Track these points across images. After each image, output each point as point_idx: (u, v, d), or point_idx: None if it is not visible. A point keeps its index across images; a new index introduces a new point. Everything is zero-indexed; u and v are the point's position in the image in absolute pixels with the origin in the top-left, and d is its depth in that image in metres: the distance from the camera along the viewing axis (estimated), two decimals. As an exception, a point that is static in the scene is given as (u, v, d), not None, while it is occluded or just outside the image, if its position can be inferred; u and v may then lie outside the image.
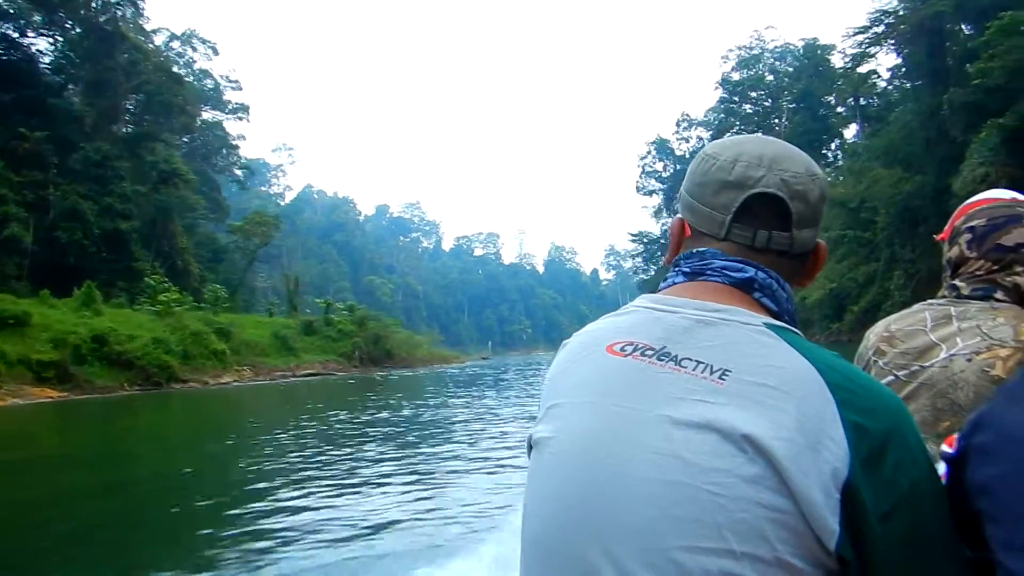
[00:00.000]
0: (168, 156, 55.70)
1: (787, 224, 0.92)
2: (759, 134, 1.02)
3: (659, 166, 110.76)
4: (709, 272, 0.93)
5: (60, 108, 49.84)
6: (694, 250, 0.96)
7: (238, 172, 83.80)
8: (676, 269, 0.97)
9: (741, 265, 0.92)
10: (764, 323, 0.87)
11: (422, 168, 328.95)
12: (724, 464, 0.76)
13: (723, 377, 0.82)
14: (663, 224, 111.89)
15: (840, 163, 68.84)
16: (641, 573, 0.76)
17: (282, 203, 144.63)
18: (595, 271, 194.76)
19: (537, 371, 48.97)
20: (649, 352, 0.88)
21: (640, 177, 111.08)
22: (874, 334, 1.58)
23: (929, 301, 1.58)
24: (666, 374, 0.85)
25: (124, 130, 52.42)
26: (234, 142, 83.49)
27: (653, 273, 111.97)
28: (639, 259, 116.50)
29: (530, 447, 0.96)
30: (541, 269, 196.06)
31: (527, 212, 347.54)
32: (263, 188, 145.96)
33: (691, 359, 0.85)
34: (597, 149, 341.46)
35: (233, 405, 27.84)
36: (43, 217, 44.72)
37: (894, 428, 0.80)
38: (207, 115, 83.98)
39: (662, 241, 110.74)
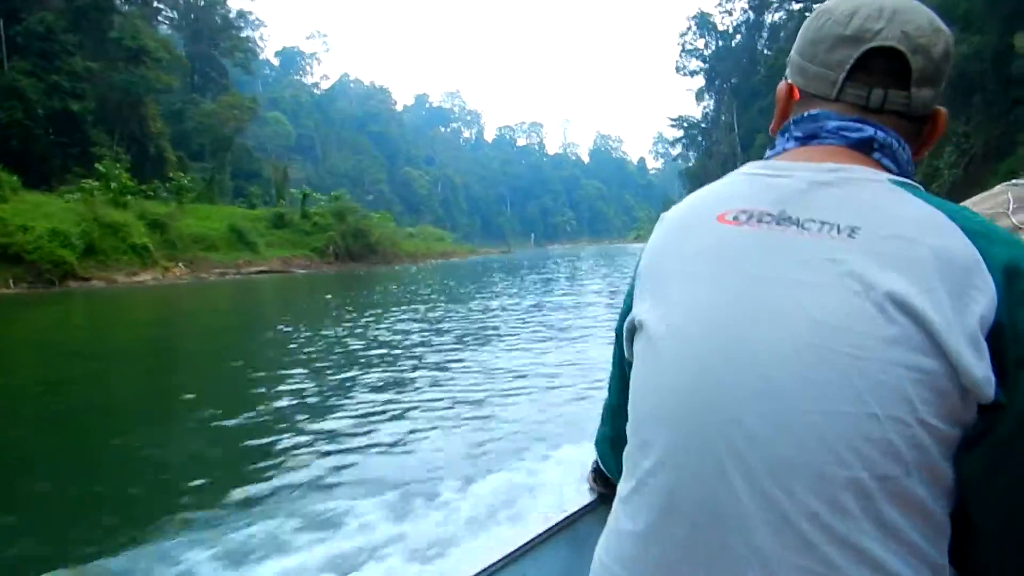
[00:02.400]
0: (134, 31, 49.84)
1: (906, 82, 0.83)
2: None
3: (700, 43, 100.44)
4: (824, 134, 0.86)
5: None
6: (805, 113, 0.89)
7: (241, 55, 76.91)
8: (786, 135, 0.90)
9: (859, 124, 0.85)
10: (888, 179, 0.80)
11: (463, 56, 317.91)
12: (863, 325, 0.71)
13: (853, 235, 0.75)
14: (704, 107, 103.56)
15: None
16: (776, 437, 0.72)
17: (317, 92, 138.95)
18: (642, 160, 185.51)
19: (552, 264, 45.41)
20: (767, 218, 0.81)
21: (680, 56, 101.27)
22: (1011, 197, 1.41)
23: (1013, 181, 1.46)
24: (789, 238, 0.78)
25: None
26: (237, 23, 76.62)
27: (693, 161, 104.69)
28: (679, 146, 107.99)
29: (631, 330, 0.89)
30: (586, 159, 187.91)
31: (572, 100, 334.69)
32: (297, 77, 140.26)
33: (814, 220, 0.78)
34: (644, 29, 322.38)
35: (120, 308, 23.00)
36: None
37: None
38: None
39: (703, 125, 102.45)
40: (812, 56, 0.88)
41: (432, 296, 21.93)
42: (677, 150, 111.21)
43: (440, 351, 10.71)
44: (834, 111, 0.86)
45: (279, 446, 5.90)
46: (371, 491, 4.63)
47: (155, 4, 72.79)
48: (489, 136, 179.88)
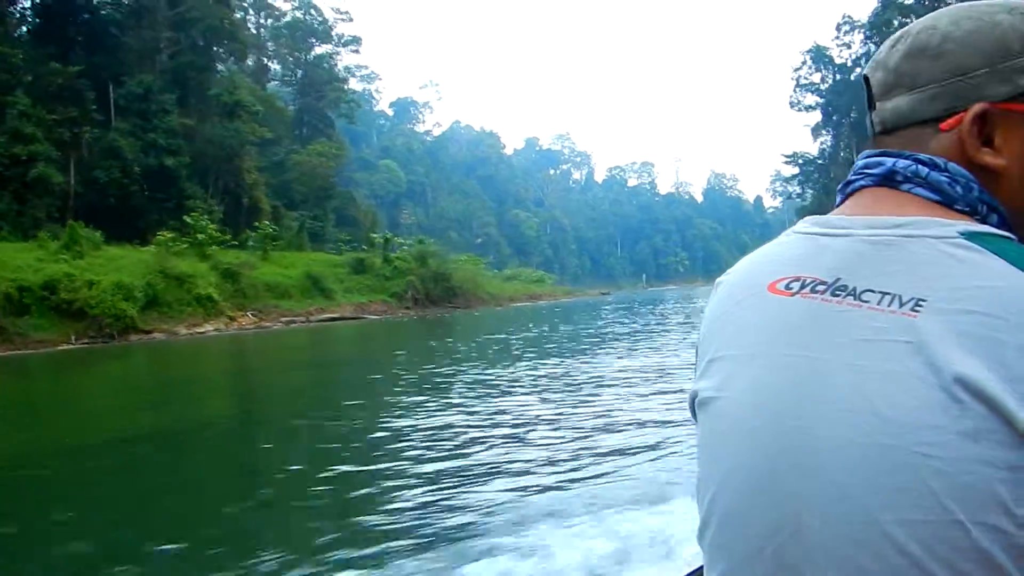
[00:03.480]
0: (231, 86, 51.53)
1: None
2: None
3: (816, 77, 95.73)
4: (855, 176, 0.79)
5: (100, 37, 46.51)
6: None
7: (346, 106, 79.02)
8: (848, 181, 0.81)
9: (878, 158, 0.77)
10: (960, 232, 0.68)
11: (572, 98, 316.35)
12: (934, 418, 0.62)
13: (917, 308, 0.65)
14: (821, 143, 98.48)
15: None
16: (850, 550, 0.64)
17: (428, 139, 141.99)
18: (759, 198, 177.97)
19: (671, 305, 42.05)
20: (820, 287, 0.72)
21: (795, 91, 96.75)
22: None
23: None
24: (845, 312, 0.69)
25: (167, 60, 48.33)
26: (343, 75, 78.93)
27: (810, 199, 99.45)
28: (795, 183, 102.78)
29: (694, 406, 0.83)
30: (700, 198, 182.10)
31: (684, 139, 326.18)
32: (409, 125, 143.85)
33: (873, 291, 0.69)
34: (758, 64, 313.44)
35: (169, 361, 22.59)
36: (82, 156, 41.78)
37: None
38: (318, 49, 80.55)
39: (819, 162, 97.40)
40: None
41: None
42: (795, 188, 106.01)
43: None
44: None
45: None
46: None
47: (264, 61, 76.15)
48: (599, 177, 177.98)
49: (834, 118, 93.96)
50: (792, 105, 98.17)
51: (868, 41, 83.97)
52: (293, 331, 32.55)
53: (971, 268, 0.65)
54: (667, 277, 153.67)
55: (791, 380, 0.70)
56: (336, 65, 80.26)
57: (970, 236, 0.68)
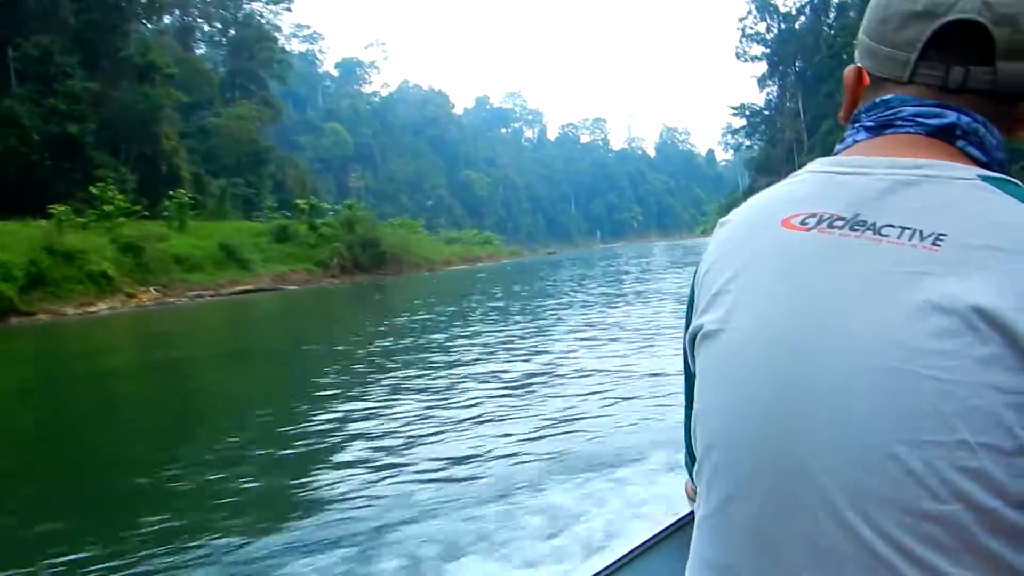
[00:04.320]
0: (143, 48, 48.38)
1: (989, 56, 0.73)
2: None
3: (761, 27, 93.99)
4: (899, 122, 0.77)
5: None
6: (877, 99, 0.79)
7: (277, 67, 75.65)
8: (856, 125, 0.81)
9: (939, 109, 0.75)
10: (979, 175, 0.71)
11: (523, 55, 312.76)
12: (949, 344, 0.63)
13: (937, 242, 0.66)
14: (768, 93, 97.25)
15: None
16: (858, 471, 0.65)
17: (375, 100, 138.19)
18: (711, 151, 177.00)
19: (610, 263, 41.38)
20: (839, 223, 0.72)
21: (740, 42, 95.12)
22: None
23: None
24: (864, 246, 0.69)
25: (71, 20, 45.00)
26: (272, 34, 75.37)
27: (757, 151, 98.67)
28: (741, 135, 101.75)
29: (693, 341, 0.82)
30: (652, 153, 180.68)
31: (636, 94, 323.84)
32: (356, 86, 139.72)
33: (893, 226, 0.69)
34: (708, 15, 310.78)
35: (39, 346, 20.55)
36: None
37: None
38: (248, 7, 76.74)
39: (767, 112, 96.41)
40: (881, 36, 0.78)
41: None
42: (742, 140, 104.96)
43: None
44: (910, 94, 0.77)
45: None
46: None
47: (190, 21, 72.34)
48: (552, 134, 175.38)
49: (780, 68, 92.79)
50: (739, 56, 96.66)
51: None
52: (198, 306, 30.41)
53: (989, 207, 0.67)
54: (622, 233, 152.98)
55: (806, 311, 0.70)
56: (267, 23, 76.40)
57: (987, 179, 0.69)
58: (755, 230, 0.78)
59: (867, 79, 0.81)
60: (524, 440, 6.64)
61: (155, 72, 48.00)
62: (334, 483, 5.93)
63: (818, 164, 0.80)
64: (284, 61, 75.64)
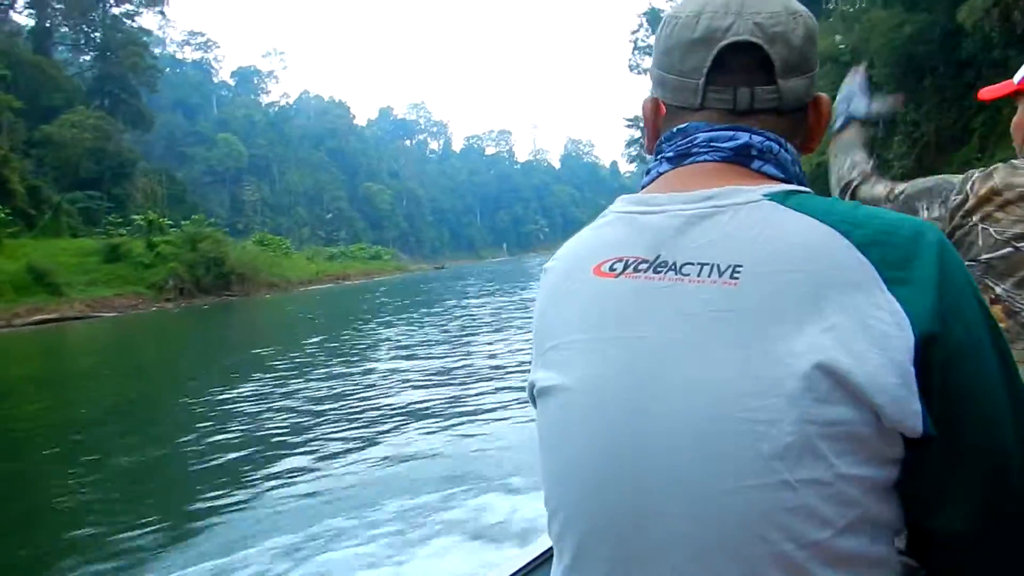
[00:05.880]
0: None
1: (770, 76, 0.75)
2: None
3: (652, 40, 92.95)
4: (695, 150, 0.77)
5: None
6: (675, 128, 0.79)
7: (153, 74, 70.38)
8: (659, 156, 0.81)
9: (731, 132, 0.76)
10: (763, 195, 0.71)
11: (427, 66, 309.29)
12: (758, 384, 0.63)
13: (735, 275, 0.67)
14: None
15: (833, 7, 52.68)
16: (693, 524, 0.64)
17: (273, 111, 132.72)
18: (614, 163, 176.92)
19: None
20: (643, 266, 0.73)
21: (633, 54, 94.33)
22: (973, 192, 1.36)
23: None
24: (668, 287, 0.70)
25: None
26: (140, 38, 70.08)
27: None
28: (635, 147, 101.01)
29: (532, 396, 0.81)
30: (557, 165, 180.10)
31: (540, 106, 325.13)
32: (253, 96, 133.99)
33: (692, 263, 0.70)
34: (609, 30, 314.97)
35: None
36: None
37: (942, 271, 0.65)
38: (116, 10, 71.19)
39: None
40: (669, 66, 0.80)
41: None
42: (635, 151, 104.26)
43: None
44: (703, 120, 0.77)
45: None
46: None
47: (46, 24, 66.57)
48: (457, 146, 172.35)
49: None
50: (631, 68, 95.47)
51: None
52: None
53: (774, 228, 0.68)
54: (528, 245, 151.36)
55: (625, 363, 0.70)
56: (135, 27, 71.02)
57: (772, 196, 0.70)
58: (570, 279, 0.78)
59: (664, 109, 0.82)
60: None
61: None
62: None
63: (622, 203, 0.79)
64: (153, 67, 70.21)
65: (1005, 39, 25.48)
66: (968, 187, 1.37)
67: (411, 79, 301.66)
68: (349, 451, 7.08)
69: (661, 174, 0.79)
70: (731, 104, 0.76)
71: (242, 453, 7.45)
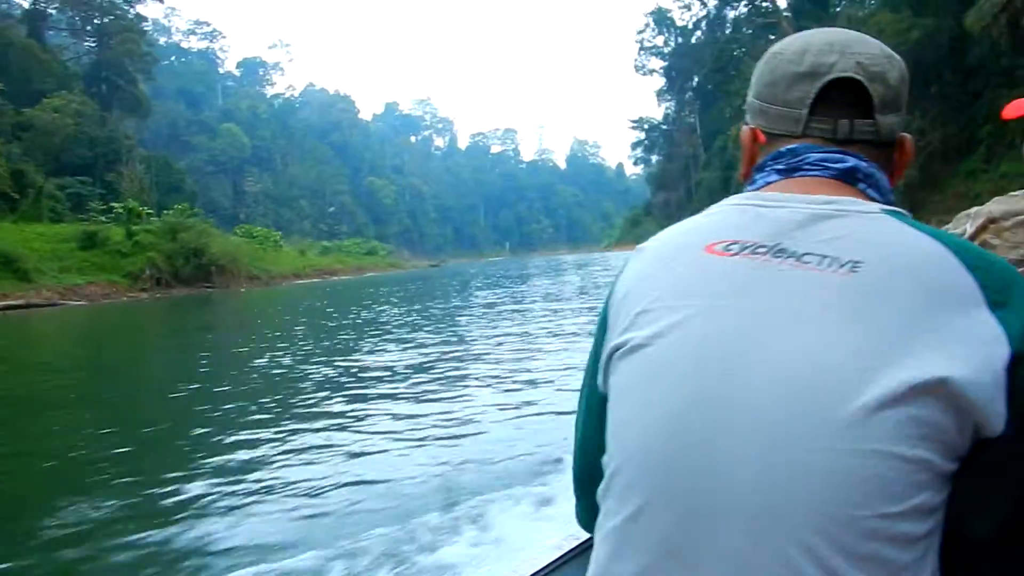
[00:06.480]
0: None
1: (868, 110, 0.83)
2: (824, 27, 0.92)
3: (659, 40, 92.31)
4: (807, 166, 0.84)
5: None
6: (783, 148, 0.86)
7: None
8: (765, 170, 0.87)
9: (841, 155, 0.83)
10: (881, 209, 0.78)
11: (434, 62, 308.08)
12: (860, 360, 0.68)
13: (855, 269, 0.71)
14: (666, 107, 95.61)
15: (839, 10, 51.39)
16: (771, 479, 0.68)
17: (278, 103, 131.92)
18: (620, 165, 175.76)
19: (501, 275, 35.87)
20: (761, 250, 0.77)
21: (639, 55, 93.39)
22: (972, 221, 1.50)
23: (966, 212, 1.56)
24: (787, 271, 0.74)
25: None
26: (136, 25, 69.11)
27: (655, 164, 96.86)
28: (640, 149, 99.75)
29: (608, 360, 0.83)
30: (563, 165, 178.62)
31: (547, 105, 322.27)
32: (259, 88, 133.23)
33: (813, 254, 0.74)
34: (619, 30, 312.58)
35: None
36: None
37: None
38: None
39: (664, 127, 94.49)
40: (772, 97, 0.87)
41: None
42: (640, 153, 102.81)
43: None
44: (813, 144, 0.84)
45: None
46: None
47: (42, 7, 65.67)
48: (462, 144, 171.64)
49: (677, 82, 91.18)
50: (637, 69, 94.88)
51: (706, 4, 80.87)
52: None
53: (895, 235, 0.74)
54: (531, 245, 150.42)
55: (732, 330, 0.73)
56: (131, 14, 70.05)
57: (888, 212, 0.77)
58: (679, 255, 0.81)
59: (762, 137, 0.88)
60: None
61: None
62: None
63: (736, 198, 0.85)
64: (149, 54, 69.25)
65: (1013, 47, 24.32)
66: (967, 223, 1.48)
67: (417, 75, 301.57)
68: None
69: (769, 183, 0.85)
70: (831, 134, 0.83)
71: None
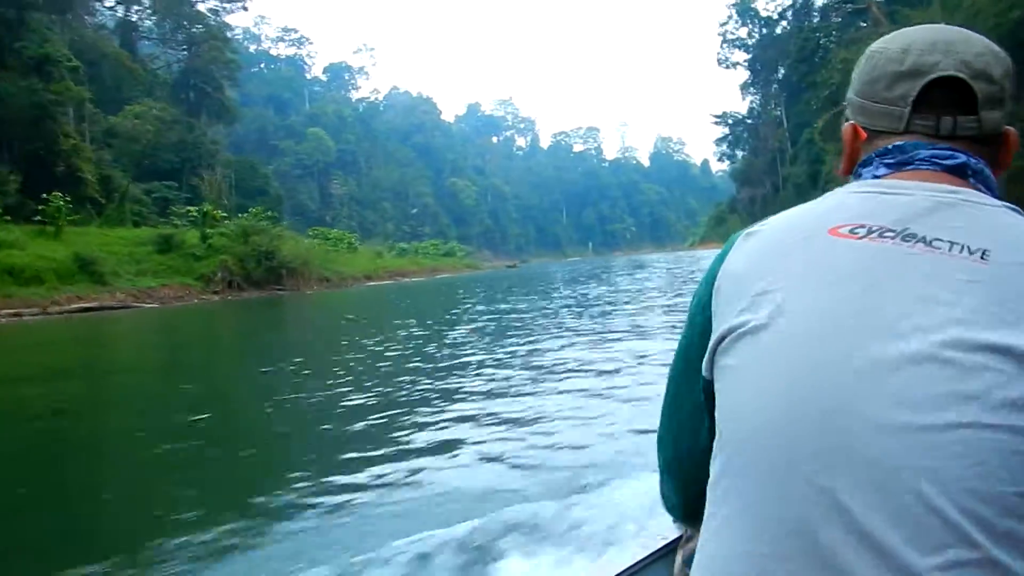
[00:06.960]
0: (41, 39, 43.93)
1: (971, 107, 0.83)
2: (926, 25, 0.91)
3: (743, 32, 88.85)
4: (918, 162, 0.84)
5: None
6: (890, 145, 0.86)
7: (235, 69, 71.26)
8: (873, 164, 0.87)
9: (951, 152, 0.83)
10: (1003, 204, 0.79)
11: (515, 63, 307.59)
12: (999, 337, 0.68)
13: (984, 257, 0.72)
14: (751, 101, 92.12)
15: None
16: (906, 451, 0.67)
17: (362, 107, 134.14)
18: (705, 161, 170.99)
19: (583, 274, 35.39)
20: (888, 234, 0.76)
21: (722, 48, 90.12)
22: None
23: None
24: (917, 254, 0.74)
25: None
26: (221, 33, 71.01)
27: (740, 160, 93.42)
28: (724, 145, 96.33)
29: (720, 340, 0.81)
30: (646, 163, 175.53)
31: (630, 103, 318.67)
32: (344, 92, 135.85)
33: (942, 239, 0.74)
34: (701, 23, 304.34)
35: None
36: None
37: None
38: (201, 6, 72.49)
39: (748, 121, 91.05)
40: (872, 95, 0.87)
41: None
42: (725, 149, 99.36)
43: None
44: (920, 140, 0.85)
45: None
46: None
47: (131, 17, 68.24)
48: (544, 143, 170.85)
49: (762, 75, 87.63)
50: (720, 62, 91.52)
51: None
52: None
53: (1019, 230, 0.74)
54: (614, 244, 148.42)
55: (865, 308, 0.72)
56: (215, 22, 72.08)
57: (1008, 207, 0.77)
58: (799, 237, 0.80)
59: (863, 134, 0.89)
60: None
61: (52, 65, 43.51)
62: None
63: (851, 187, 0.85)
64: (233, 62, 71.02)
65: None
66: None
67: (499, 76, 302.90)
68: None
69: (878, 176, 0.84)
70: (934, 130, 0.83)
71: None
